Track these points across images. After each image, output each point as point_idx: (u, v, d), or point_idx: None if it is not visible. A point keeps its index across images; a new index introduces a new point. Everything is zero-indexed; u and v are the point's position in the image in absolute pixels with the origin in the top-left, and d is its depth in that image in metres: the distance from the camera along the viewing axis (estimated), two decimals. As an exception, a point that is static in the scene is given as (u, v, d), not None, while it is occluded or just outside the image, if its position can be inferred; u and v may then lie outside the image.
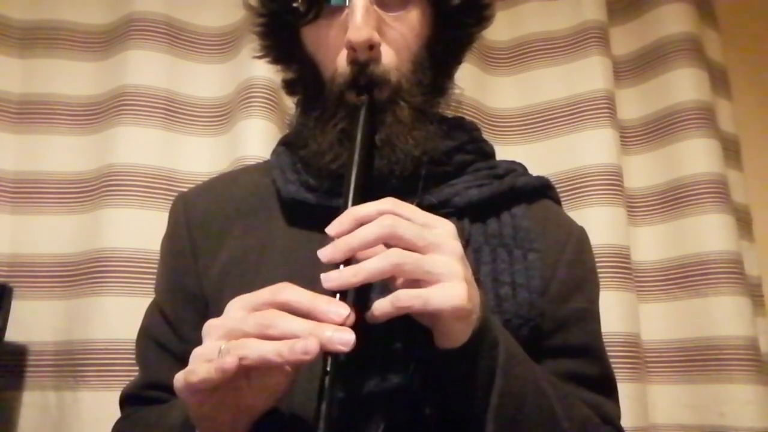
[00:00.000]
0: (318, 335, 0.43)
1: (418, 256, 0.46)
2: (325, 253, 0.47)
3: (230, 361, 0.42)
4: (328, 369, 0.44)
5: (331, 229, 0.47)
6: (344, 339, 0.43)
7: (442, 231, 0.49)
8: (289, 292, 0.46)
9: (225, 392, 0.46)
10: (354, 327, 0.43)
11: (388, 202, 0.48)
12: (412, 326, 0.51)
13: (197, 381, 0.43)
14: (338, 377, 0.44)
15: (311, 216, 0.61)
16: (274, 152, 0.72)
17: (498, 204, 0.65)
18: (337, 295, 0.46)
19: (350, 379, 0.52)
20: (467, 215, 0.63)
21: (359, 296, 0.53)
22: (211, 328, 0.47)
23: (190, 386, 0.44)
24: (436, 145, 0.63)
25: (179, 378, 0.45)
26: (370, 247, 0.47)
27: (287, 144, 0.70)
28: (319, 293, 0.46)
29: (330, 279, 0.46)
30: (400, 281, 0.47)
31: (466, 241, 0.60)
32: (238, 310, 0.47)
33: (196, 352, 0.46)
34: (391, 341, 0.54)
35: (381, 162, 0.60)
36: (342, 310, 0.44)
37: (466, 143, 0.68)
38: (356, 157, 0.54)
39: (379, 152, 0.60)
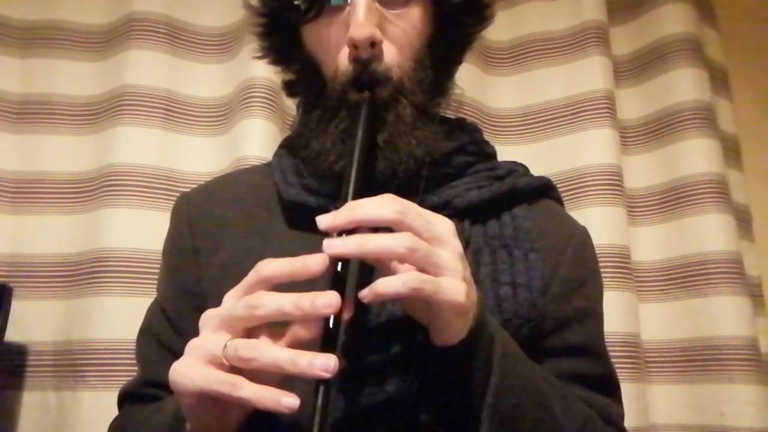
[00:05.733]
0: (299, 362, 0.41)
1: (429, 246, 0.45)
2: (324, 220, 0.45)
3: (292, 402, 0.40)
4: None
5: (323, 222, 0.46)
6: (326, 365, 0.40)
7: (443, 228, 0.48)
8: (267, 266, 0.45)
9: None
10: (352, 328, 0.43)
11: (387, 198, 0.47)
12: (411, 332, 0.50)
13: (237, 396, 0.42)
14: (335, 383, 0.42)
15: (312, 219, 0.60)
16: (276, 155, 0.72)
17: (498, 205, 0.64)
18: (335, 288, 0.44)
19: (349, 386, 0.52)
20: (467, 217, 0.62)
21: (360, 287, 0.52)
22: (207, 318, 0.46)
23: (219, 395, 0.42)
24: (438, 145, 0.63)
25: (185, 372, 0.44)
26: (372, 224, 0.45)
27: (288, 147, 0.70)
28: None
29: (332, 246, 0.44)
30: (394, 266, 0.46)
31: (466, 243, 0.60)
32: (230, 298, 0.46)
33: (194, 344, 0.45)
34: (390, 347, 0.54)
35: (384, 163, 0.59)
36: (319, 262, 0.43)
37: (468, 144, 0.67)
38: (356, 154, 0.53)
39: (382, 153, 0.59)
